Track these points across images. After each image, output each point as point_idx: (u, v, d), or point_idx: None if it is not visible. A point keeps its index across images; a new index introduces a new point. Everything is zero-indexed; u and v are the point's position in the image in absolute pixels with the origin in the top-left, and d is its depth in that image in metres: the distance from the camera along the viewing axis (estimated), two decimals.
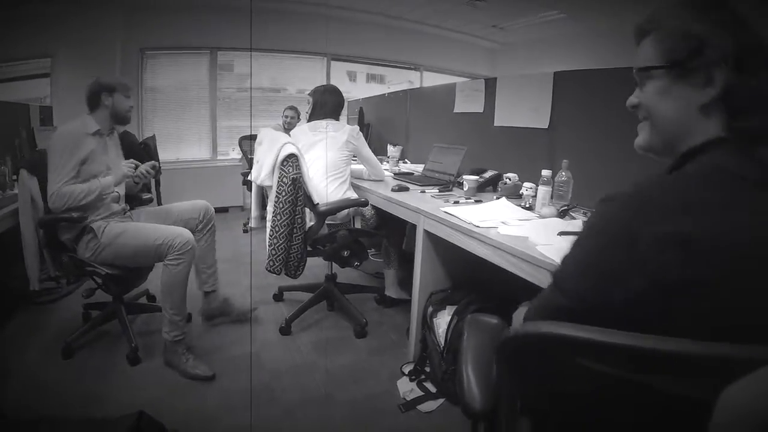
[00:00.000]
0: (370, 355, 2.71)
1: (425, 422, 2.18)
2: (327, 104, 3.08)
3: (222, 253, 4.49)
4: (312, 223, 2.76)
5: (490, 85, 3.36)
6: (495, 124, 3.31)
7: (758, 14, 0.93)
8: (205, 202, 2.96)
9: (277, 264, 2.61)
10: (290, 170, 2.50)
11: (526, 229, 1.96)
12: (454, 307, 2.33)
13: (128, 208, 2.81)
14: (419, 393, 2.34)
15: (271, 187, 2.61)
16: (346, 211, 2.90)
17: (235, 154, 6.66)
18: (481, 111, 3.44)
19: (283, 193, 2.52)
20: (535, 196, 2.44)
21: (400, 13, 6.92)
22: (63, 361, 2.54)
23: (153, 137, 5.20)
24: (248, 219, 5.62)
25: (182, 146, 6.74)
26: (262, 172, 2.62)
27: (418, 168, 3.89)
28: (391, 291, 3.32)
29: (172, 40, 6.33)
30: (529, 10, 6.59)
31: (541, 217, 2.20)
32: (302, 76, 7.35)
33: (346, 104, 3.24)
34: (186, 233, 2.52)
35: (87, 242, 2.47)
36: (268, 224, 2.65)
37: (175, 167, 6.32)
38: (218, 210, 5.94)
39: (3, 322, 2.94)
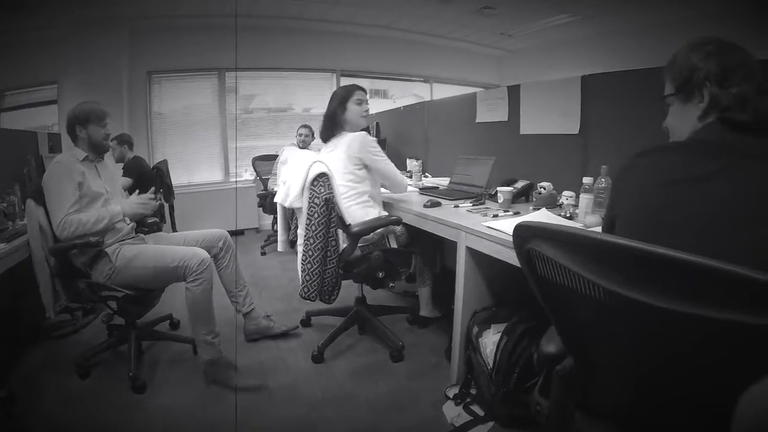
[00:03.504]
0: (410, 380, 2.58)
1: None
2: (326, 117, 2.90)
3: None
4: (345, 245, 2.63)
5: (514, 92, 3.28)
6: (521, 132, 3.22)
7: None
8: (222, 230, 2.95)
9: (312, 290, 2.49)
10: (322, 190, 2.38)
11: None
12: (499, 326, 2.21)
13: (135, 225, 2.81)
14: (467, 417, 2.21)
15: (300, 209, 2.51)
16: (379, 230, 2.76)
17: (248, 175, 6.60)
18: (506, 119, 3.35)
19: (316, 215, 2.40)
20: (576, 205, 2.34)
21: (408, 25, 6.87)
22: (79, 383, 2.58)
23: (165, 161, 5.17)
24: (265, 241, 5.57)
25: (194, 169, 6.69)
26: (291, 193, 2.50)
27: (439, 181, 3.80)
28: (426, 311, 3.19)
29: (179, 62, 6.31)
30: (536, 15, 6.53)
31: (586, 226, 2.08)
32: (308, 94, 7.30)
33: None
34: (201, 252, 2.54)
35: (102, 267, 2.47)
36: (300, 248, 2.53)
37: (189, 191, 6.27)
38: (234, 233, 5.94)
39: (21, 354, 2.88)
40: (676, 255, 0.73)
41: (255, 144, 6.85)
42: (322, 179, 2.40)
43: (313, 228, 2.42)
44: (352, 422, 2.24)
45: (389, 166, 2.85)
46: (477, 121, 3.70)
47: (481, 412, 2.23)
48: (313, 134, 5.73)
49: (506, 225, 2.11)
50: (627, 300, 0.84)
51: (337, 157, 2.76)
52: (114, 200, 2.68)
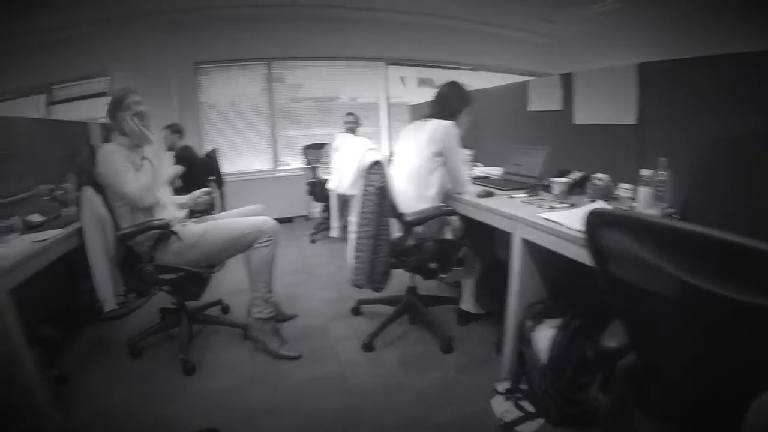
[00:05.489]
0: (460, 372, 2.57)
1: None
2: (436, 101, 2.88)
3: (291, 264, 4.51)
4: (399, 234, 2.63)
5: (566, 81, 3.19)
6: (575, 122, 3.13)
7: None
8: (259, 205, 3.09)
9: (362, 277, 2.52)
10: (376, 178, 2.40)
11: None
12: (553, 321, 2.17)
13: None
14: (517, 413, 2.19)
15: (353, 196, 2.52)
16: (436, 221, 2.73)
17: (297, 163, 6.68)
18: (560, 108, 3.26)
19: (368, 203, 2.42)
20: (634, 198, 2.26)
21: (453, 12, 6.76)
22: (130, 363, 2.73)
23: (214, 151, 5.28)
24: (314, 229, 5.62)
25: (243, 158, 6.82)
26: (345, 180, 2.52)
27: (491, 171, 3.74)
28: (467, 304, 3.10)
29: (225, 52, 6.40)
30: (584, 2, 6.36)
31: None
32: (356, 83, 7.30)
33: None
34: (270, 219, 2.72)
35: (169, 246, 2.55)
36: (352, 235, 2.55)
37: (238, 179, 6.41)
38: (283, 220, 6.04)
39: (75, 335, 3.03)
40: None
41: (304, 133, 6.92)
42: (376, 167, 2.41)
43: (366, 216, 2.44)
44: (400, 412, 2.25)
45: (459, 163, 2.78)
46: (529, 109, 3.62)
47: (531, 409, 2.20)
48: (358, 121, 5.81)
49: (564, 217, 2.06)
50: (709, 294, 0.79)
51: (417, 139, 2.74)
52: (159, 188, 2.73)
